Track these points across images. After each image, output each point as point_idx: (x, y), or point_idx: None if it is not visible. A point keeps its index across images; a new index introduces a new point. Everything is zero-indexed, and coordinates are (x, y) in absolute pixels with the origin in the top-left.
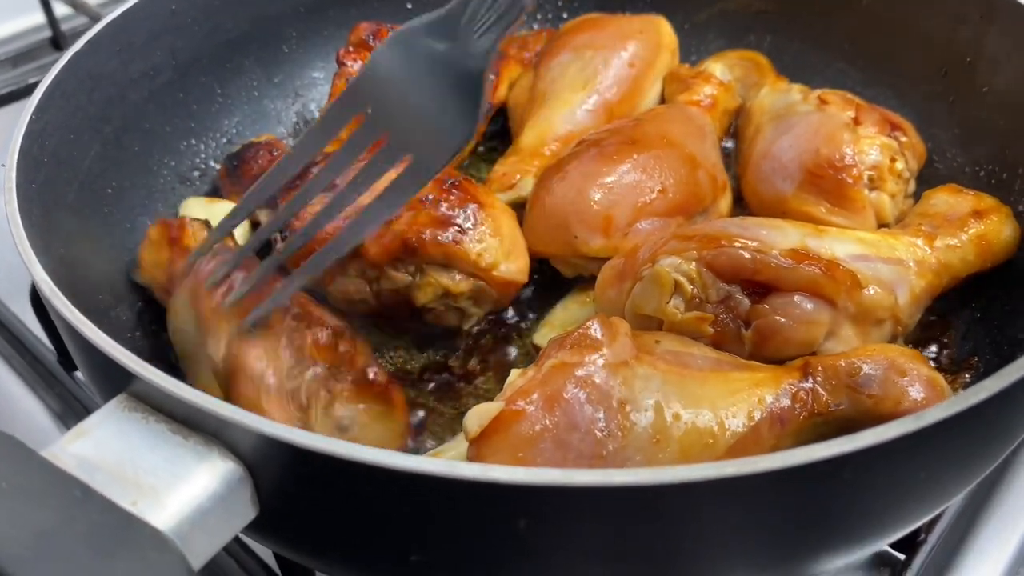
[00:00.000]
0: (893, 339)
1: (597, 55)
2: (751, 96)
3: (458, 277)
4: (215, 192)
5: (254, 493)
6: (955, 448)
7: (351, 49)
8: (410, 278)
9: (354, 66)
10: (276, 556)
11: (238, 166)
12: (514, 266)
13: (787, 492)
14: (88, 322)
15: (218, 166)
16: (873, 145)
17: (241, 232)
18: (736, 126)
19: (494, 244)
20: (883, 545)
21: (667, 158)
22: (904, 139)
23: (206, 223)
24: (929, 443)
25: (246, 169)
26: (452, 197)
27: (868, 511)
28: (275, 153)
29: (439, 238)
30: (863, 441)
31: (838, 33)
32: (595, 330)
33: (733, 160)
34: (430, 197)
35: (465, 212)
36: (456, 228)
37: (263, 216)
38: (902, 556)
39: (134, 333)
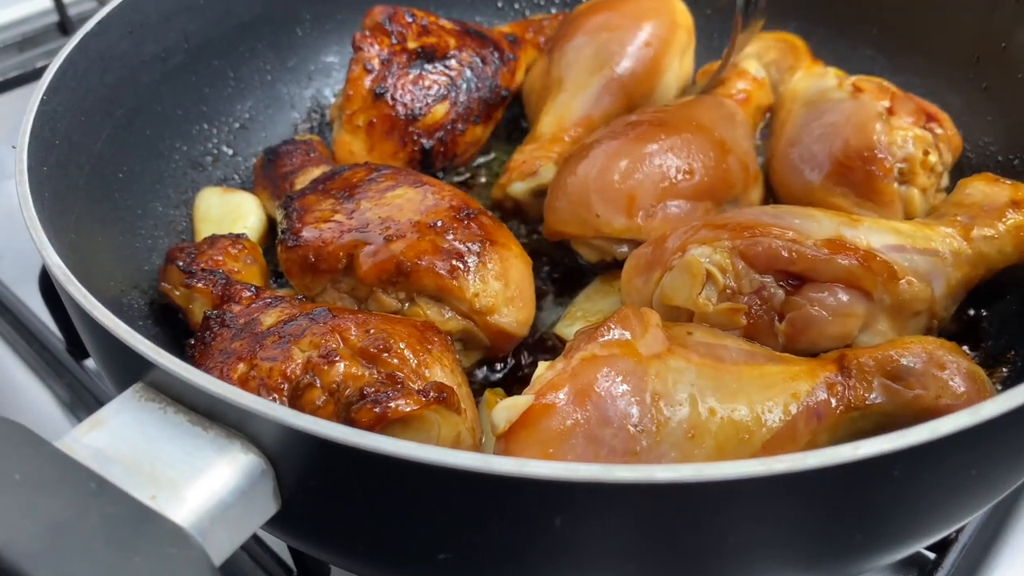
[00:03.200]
0: (928, 331)
1: (612, 36)
2: (785, 80)
3: (448, 315)
4: (226, 179)
5: (276, 487)
6: (1007, 444)
7: (367, 33)
8: (398, 305)
9: (371, 51)
10: (291, 551)
11: (273, 160)
12: (513, 317)
13: (834, 490)
14: (103, 308)
15: (230, 151)
16: (906, 137)
17: (253, 233)
18: (769, 118)
19: (496, 288)
20: (926, 544)
21: (695, 141)
22: (940, 131)
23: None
24: (983, 439)
25: (279, 164)
26: (464, 229)
27: (916, 509)
28: (311, 154)
29: (436, 267)
30: (916, 437)
31: (867, 17)
32: (626, 321)
33: (765, 152)
34: (439, 223)
35: (472, 247)
36: (457, 262)
37: (279, 215)
38: (932, 555)
39: (146, 320)
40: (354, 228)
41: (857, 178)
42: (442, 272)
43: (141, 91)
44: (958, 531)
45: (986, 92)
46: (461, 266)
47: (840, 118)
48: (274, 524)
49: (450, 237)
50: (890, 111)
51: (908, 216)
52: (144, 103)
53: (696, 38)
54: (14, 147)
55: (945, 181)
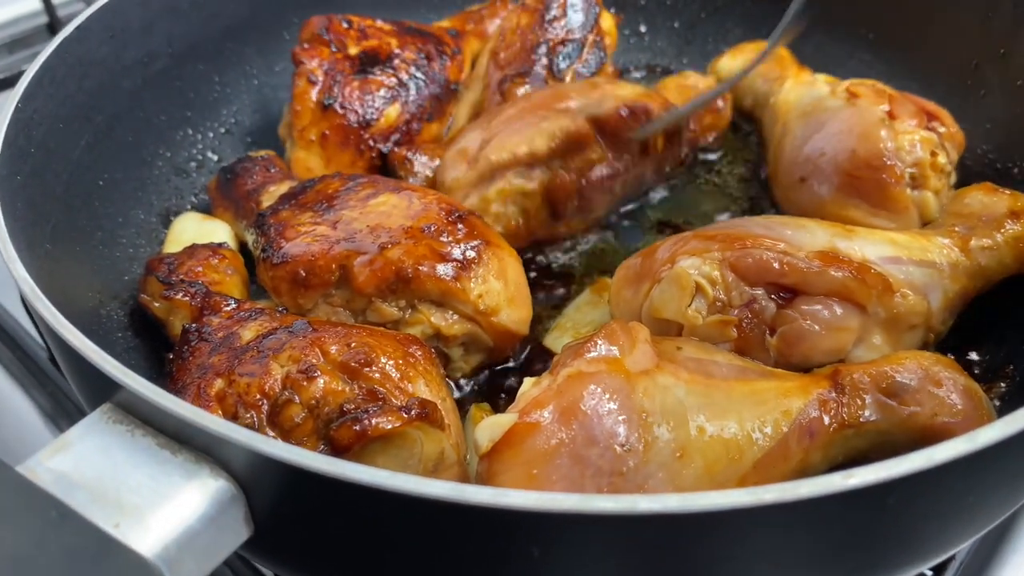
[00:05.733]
0: (924, 345)
1: None
2: (774, 91)
3: (452, 318)
4: None
5: (247, 512)
6: (1006, 469)
7: (307, 46)
8: (399, 313)
9: (313, 63)
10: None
11: (231, 180)
12: (516, 315)
13: (826, 519)
14: (71, 326)
15: (216, 157)
16: (913, 141)
17: (231, 241)
18: (758, 122)
19: (497, 287)
20: (923, 569)
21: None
22: (943, 129)
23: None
24: (981, 465)
25: (239, 183)
26: (457, 231)
27: (911, 536)
28: (272, 170)
29: (437, 272)
30: (911, 465)
31: (862, 22)
32: (613, 337)
33: (757, 153)
34: (432, 227)
35: (469, 249)
36: (457, 264)
37: (248, 236)
38: (930, 573)
39: (125, 332)
40: (342, 239)
41: (868, 188)
42: (445, 276)
43: (122, 97)
44: None
45: (984, 98)
46: (463, 268)
47: (842, 128)
48: (247, 549)
49: (446, 240)
50: (891, 115)
51: (924, 219)
52: (126, 109)
53: (692, 40)
54: None
55: (954, 179)
